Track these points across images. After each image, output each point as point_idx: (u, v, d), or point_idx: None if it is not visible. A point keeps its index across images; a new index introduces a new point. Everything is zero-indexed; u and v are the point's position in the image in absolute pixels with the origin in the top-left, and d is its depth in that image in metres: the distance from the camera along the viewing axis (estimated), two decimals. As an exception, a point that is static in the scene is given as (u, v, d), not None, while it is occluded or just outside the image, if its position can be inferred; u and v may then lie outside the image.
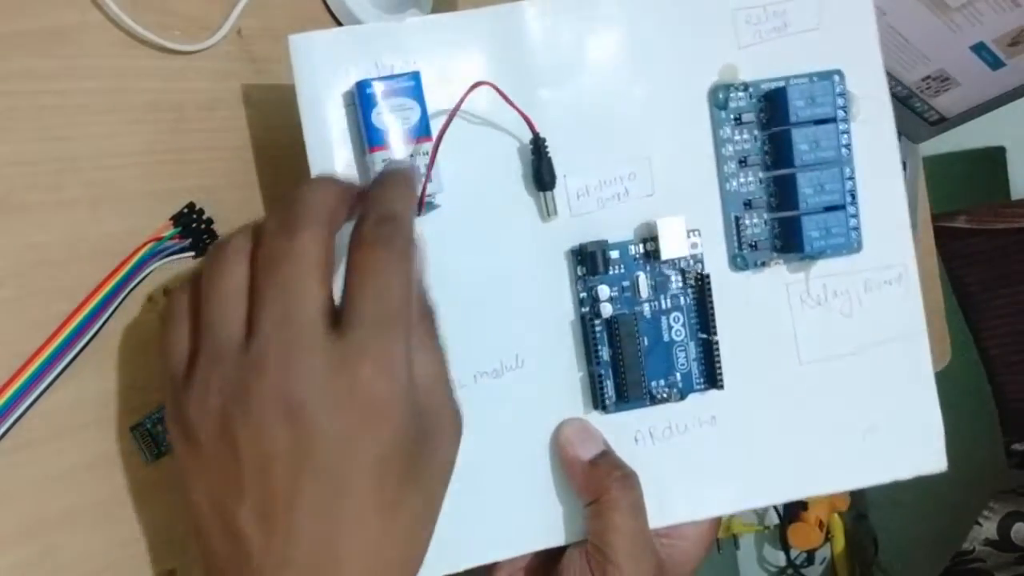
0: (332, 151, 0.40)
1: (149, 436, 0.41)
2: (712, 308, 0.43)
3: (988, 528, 1.17)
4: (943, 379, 0.49)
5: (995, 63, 0.80)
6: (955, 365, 0.92)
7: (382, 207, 0.35)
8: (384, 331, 0.33)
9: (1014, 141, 1.44)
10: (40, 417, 0.37)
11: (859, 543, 1.56)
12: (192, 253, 0.42)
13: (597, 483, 0.41)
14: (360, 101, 0.39)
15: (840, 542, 1.54)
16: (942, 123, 0.90)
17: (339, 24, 0.50)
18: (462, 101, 0.39)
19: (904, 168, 0.90)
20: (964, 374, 1.28)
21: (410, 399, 0.33)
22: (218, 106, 0.44)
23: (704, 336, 0.43)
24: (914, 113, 0.88)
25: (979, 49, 0.78)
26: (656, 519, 0.42)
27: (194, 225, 0.42)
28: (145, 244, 0.41)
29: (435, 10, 0.54)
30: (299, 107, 0.40)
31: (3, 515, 0.36)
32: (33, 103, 0.38)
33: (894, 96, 0.84)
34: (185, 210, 0.42)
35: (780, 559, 1.61)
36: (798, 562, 1.57)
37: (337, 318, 0.33)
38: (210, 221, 0.43)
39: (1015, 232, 1.29)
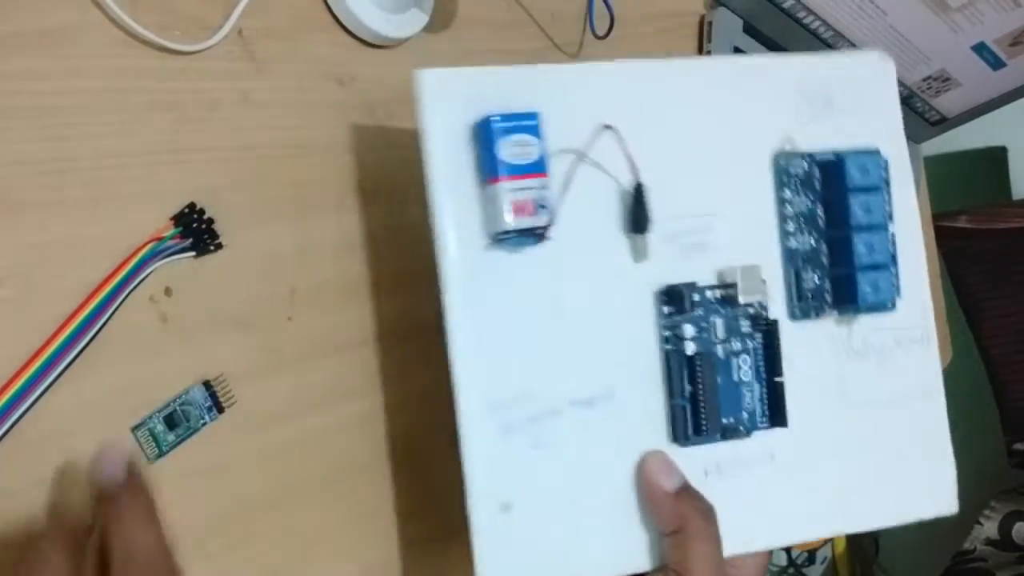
0: (452, 181, 0.43)
1: (150, 436, 0.41)
2: (780, 351, 0.46)
3: (989, 528, 1.17)
4: (945, 379, 0.51)
5: (996, 63, 0.80)
6: (956, 365, 0.92)
7: (136, 539, 0.34)
8: None
9: (1015, 141, 1.44)
10: (41, 417, 0.37)
11: (860, 543, 1.56)
12: (193, 253, 0.42)
13: (680, 514, 0.43)
14: (484, 135, 0.42)
15: (841, 542, 1.54)
16: (943, 123, 0.90)
17: (340, 24, 0.50)
18: (591, 143, 0.43)
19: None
20: (965, 374, 1.28)
21: None
22: (218, 106, 0.44)
23: (769, 377, 0.46)
24: (915, 113, 0.88)
25: (980, 49, 0.78)
26: (725, 548, 0.44)
27: (195, 225, 0.42)
28: (146, 244, 0.41)
29: (436, 13, 0.54)
30: (423, 140, 0.42)
31: (3, 515, 0.37)
32: (33, 103, 0.38)
33: (895, 96, 0.84)
34: (186, 210, 0.42)
35: (781, 558, 1.61)
36: (799, 562, 1.57)
37: None
38: (211, 221, 0.43)
39: (1016, 232, 1.29)
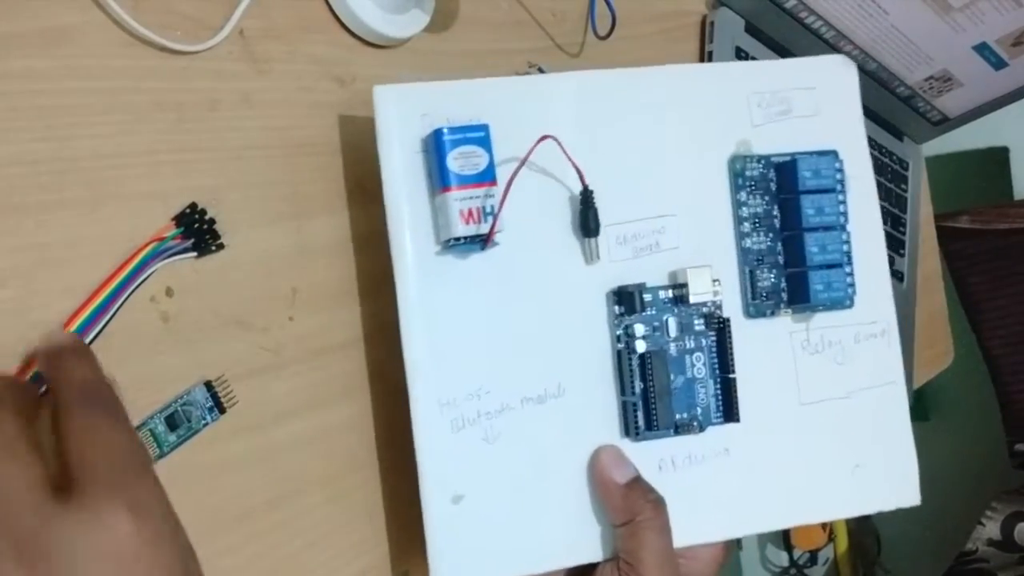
0: (407, 190, 0.45)
1: (151, 436, 0.41)
2: (732, 349, 0.48)
3: (991, 528, 1.17)
4: (947, 379, 0.51)
5: (998, 63, 0.80)
6: (958, 366, 0.92)
7: (73, 375, 0.35)
8: (128, 479, 0.32)
9: (1017, 141, 1.44)
10: (42, 417, 0.37)
11: (862, 543, 1.56)
12: (195, 253, 0.42)
13: (631, 505, 0.45)
14: (435, 147, 0.44)
15: (843, 542, 1.54)
16: (945, 123, 0.90)
17: (341, 24, 0.50)
18: (531, 152, 0.44)
19: (907, 168, 0.90)
20: (967, 375, 1.28)
21: (175, 538, 0.33)
22: (220, 106, 0.44)
23: (723, 374, 0.48)
24: (917, 113, 0.88)
25: (982, 49, 0.78)
26: (676, 539, 0.45)
27: (196, 225, 0.42)
28: (147, 244, 0.41)
29: (437, 14, 0.54)
30: (378, 150, 0.45)
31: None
32: (34, 103, 0.38)
33: (897, 96, 0.84)
34: (187, 210, 0.42)
35: (783, 559, 1.61)
36: (801, 562, 1.57)
37: (63, 490, 0.32)
38: (212, 221, 0.43)
39: (1018, 232, 1.29)
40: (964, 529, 1.19)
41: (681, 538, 0.46)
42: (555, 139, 0.45)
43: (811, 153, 0.50)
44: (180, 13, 0.43)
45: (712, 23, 0.72)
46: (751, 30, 0.73)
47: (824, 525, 1.46)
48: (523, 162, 0.44)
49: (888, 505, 0.51)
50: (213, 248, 0.43)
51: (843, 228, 0.50)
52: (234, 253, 0.44)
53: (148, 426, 0.40)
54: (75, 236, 0.39)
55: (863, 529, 1.54)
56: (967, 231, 1.28)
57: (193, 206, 0.43)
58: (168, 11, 0.43)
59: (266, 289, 0.45)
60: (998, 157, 1.45)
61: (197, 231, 0.42)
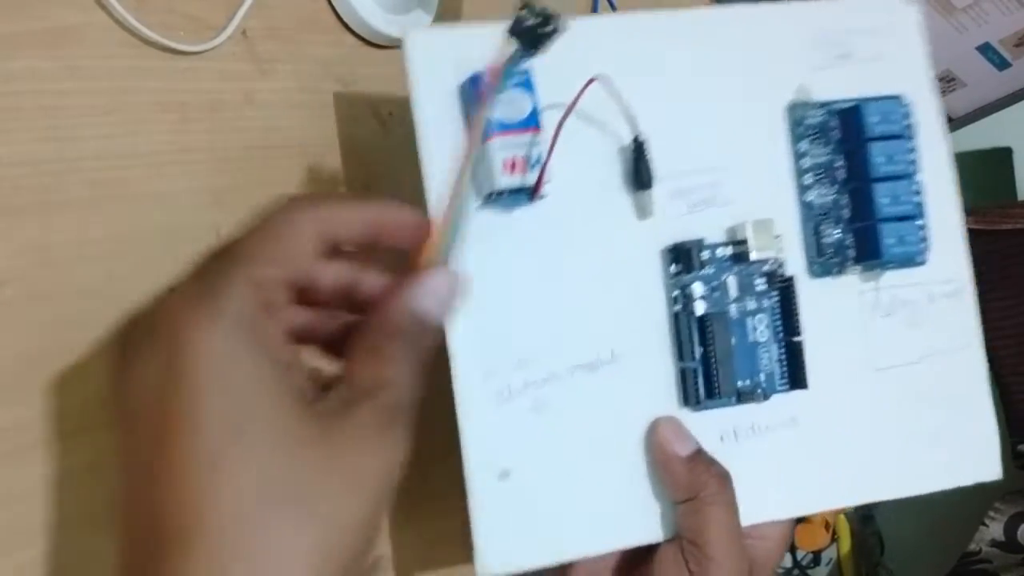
0: (445, 142, 0.41)
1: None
2: (797, 310, 0.44)
3: (994, 529, 1.16)
4: None
5: (1001, 64, 0.80)
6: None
7: (429, 301, 0.35)
8: (394, 427, 0.32)
9: (1021, 142, 1.44)
10: (46, 419, 0.37)
11: (865, 544, 1.55)
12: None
13: (694, 480, 0.41)
14: (474, 93, 0.40)
15: (846, 543, 1.53)
16: (948, 124, 0.90)
17: (344, 24, 0.50)
18: (580, 94, 0.40)
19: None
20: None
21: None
22: (223, 107, 0.44)
23: (788, 337, 0.45)
24: (920, 113, 0.87)
25: (985, 50, 0.78)
26: (742, 517, 0.42)
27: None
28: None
29: (441, 12, 0.54)
30: (412, 101, 0.41)
31: (8, 517, 0.36)
32: (36, 103, 0.38)
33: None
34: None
35: (786, 560, 1.60)
36: (804, 563, 1.57)
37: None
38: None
39: (1022, 233, 1.29)
40: (967, 530, 1.19)
41: (746, 516, 0.43)
42: (605, 81, 0.41)
43: (876, 98, 0.46)
44: (183, 13, 0.43)
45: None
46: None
47: (827, 526, 1.45)
48: (573, 104, 0.41)
49: (967, 479, 0.48)
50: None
51: (914, 177, 0.46)
52: (237, 254, 0.44)
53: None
54: (77, 237, 0.39)
55: (866, 530, 1.54)
56: (970, 232, 1.28)
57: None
58: (171, 11, 0.43)
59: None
60: (1001, 158, 1.45)
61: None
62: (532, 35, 0.35)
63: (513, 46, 0.35)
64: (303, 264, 0.33)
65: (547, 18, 0.36)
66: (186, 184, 0.43)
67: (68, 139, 0.39)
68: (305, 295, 0.35)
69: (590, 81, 0.40)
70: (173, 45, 0.42)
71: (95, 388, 0.39)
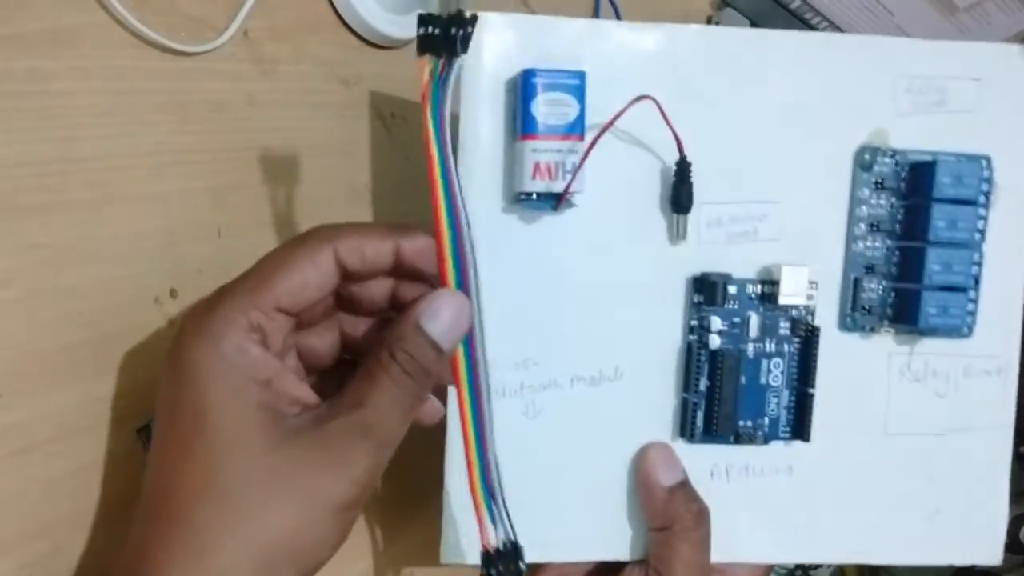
0: (483, 132, 0.41)
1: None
2: (815, 362, 0.43)
3: (1000, 531, 1.16)
4: None
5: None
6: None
7: (438, 328, 0.34)
8: (356, 447, 0.33)
9: None
10: (47, 419, 0.37)
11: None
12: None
13: (671, 511, 0.42)
14: (523, 89, 0.39)
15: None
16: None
17: (345, 25, 0.50)
18: (624, 110, 0.39)
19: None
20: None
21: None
22: (224, 107, 0.44)
23: (801, 387, 0.44)
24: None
25: (988, 50, 0.78)
26: (717, 554, 0.42)
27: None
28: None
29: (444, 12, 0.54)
30: (461, 86, 0.40)
31: (10, 516, 0.36)
32: (38, 104, 0.38)
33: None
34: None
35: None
36: (807, 564, 1.57)
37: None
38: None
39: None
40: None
41: (723, 553, 0.43)
42: (654, 100, 0.39)
43: (956, 156, 0.44)
44: (184, 14, 0.43)
45: (717, 24, 0.72)
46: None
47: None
48: (612, 121, 0.39)
49: (962, 560, 0.47)
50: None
51: (976, 247, 0.43)
52: (238, 254, 0.44)
53: (151, 427, 0.40)
54: (78, 237, 0.39)
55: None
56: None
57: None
58: (172, 12, 0.43)
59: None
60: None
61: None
62: (440, 43, 0.33)
63: (428, 62, 0.34)
64: (312, 292, 0.35)
65: (447, 21, 0.34)
66: (187, 185, 0.42)
67: (69, 140, 0.38)
68: (357, 308, 0.38)
69: (638, 98, 0.39)
70: (174, 46, 0.42)
71: (97, 388, 0.39)
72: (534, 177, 0.39)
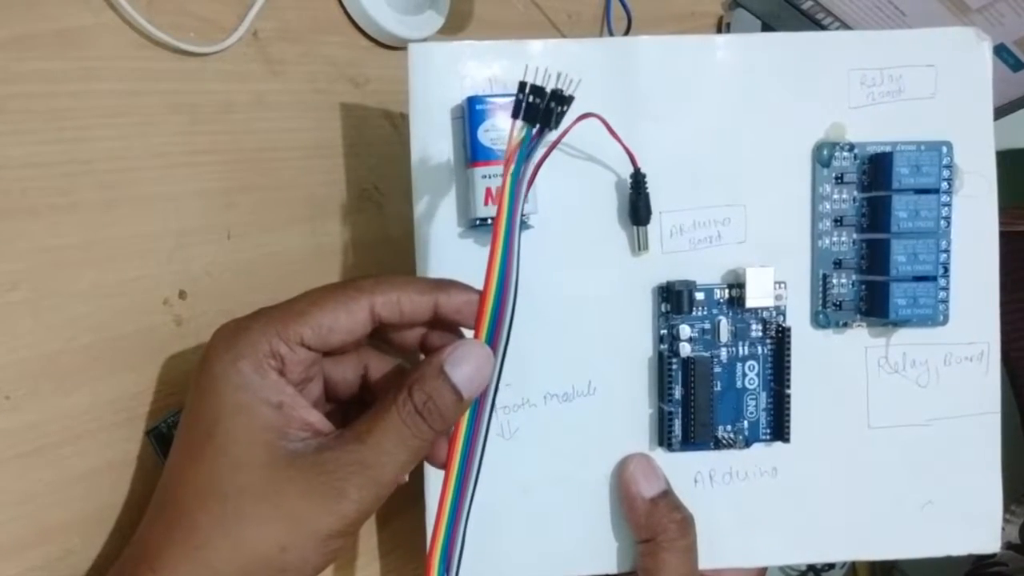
0: (434, 160, 0.41)
1: (164, 440, 0.40)
2: (789, 361, 0.43)
3: (1009, 532, 1.15)
4: None
5: (1016, 65, 0.79)
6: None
7: (461, 375, 0.34)
8: (372, 485, 0.34)
9: (1036, 143, 1.43)
10: (57, 421, 0.37)
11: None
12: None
13: (655, 523, 0.42)
14: (469, 116, 0.40)
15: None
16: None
17: (355, 25, 0.50)
18: (567, 131, 0.38)
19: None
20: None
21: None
22: (233, 108, 0.44)
23: (777, 388, 0.44)
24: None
25: (1000, 51, 0.77)
26: (705, 560, 0.42)
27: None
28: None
29: (452, 14, 0.54)
30: (410, 114, 0.41)
31: (19, 519, 0.36)
32: (47, 105, 0.38)
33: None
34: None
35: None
36: (819, 566, 1.56)
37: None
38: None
39: (1038, 235, 1.28)
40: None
41: (711, 559, 0.43)
42: (599, 117, 0.39)
43: (914, 144, 0.43)
44: (194, 15, 0.43)
45: (728, 24, 0.72)
46: (767, 31, 0.73)
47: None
48: (556, 143, 0.38)
49: (960, 549, 0.46)
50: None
51: (943, 235, 0.43)
52: (247, 255, 0.44)
53: (162, 429, 0.40)
54: (88, 238, 0.39)
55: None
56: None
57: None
58: (182, 12, 0.43)
59: (278, 291, 0.45)
60: (1017, 159, 1.44)
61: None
62: (538, 113, 0.33)
63: (522, 129, 0.34)
64: (339, 337, 0.35)
65: (550, 95, 0.33)
66: (197, 185, 0.43)
67: (78, 141, 0.39)
68: (385, 346, 0.39)
69: (582, 116, 0.38)
70: (184, 46, 0.42)
71: (106, 390, 0.39)
72: (486, 203, 0.40)
